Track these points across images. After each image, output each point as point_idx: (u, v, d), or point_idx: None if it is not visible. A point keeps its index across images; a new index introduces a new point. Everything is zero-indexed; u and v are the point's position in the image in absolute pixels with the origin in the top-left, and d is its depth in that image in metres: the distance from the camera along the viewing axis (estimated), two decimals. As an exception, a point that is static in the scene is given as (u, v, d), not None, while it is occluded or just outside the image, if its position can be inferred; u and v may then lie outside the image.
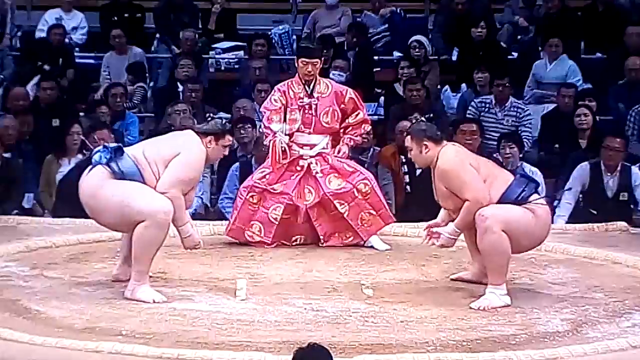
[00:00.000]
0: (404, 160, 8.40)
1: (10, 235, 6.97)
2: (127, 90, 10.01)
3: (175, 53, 10.85)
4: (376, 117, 9.86)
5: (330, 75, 9.60)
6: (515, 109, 9.54)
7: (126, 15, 11.17)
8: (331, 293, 5.97)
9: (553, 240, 6.95)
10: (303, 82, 6.93)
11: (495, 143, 8.85)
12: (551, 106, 9.87)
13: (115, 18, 11.14)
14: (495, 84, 9.54)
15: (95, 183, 5.84)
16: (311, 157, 6.90)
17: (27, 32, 11.19)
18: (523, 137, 9.09)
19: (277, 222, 6.85)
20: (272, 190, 6.88)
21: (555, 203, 8.21)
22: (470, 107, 9.60)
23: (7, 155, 8.30)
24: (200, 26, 11.18)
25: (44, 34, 10.98)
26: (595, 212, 8.03)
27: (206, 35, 11.11)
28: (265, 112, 6.93)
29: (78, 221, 7.25)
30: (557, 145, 9.28)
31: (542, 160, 9.14)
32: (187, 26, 10.91)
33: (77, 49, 11.13)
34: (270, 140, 6.86)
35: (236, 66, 10.93)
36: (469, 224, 5.81)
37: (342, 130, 7.00)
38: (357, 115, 7.00)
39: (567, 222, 7.94)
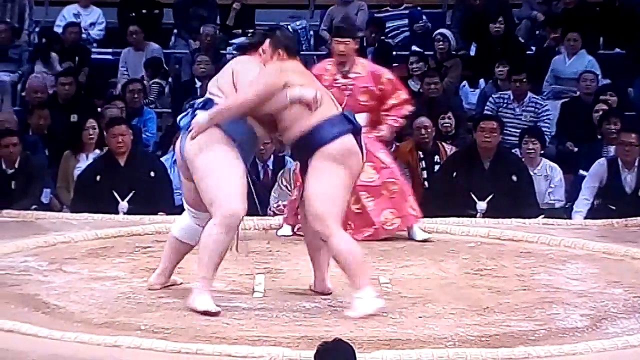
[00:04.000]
0: (421, 156, 8.40)
1: (28, 230, 6.99)
2: (144, 86, 10.03)
3: (192, 49, 10.86)
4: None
5: None
6: (534, 105, 9.53)
7: (144, 11, 11.20)
8: (349, 288, 5.86)
9: (572, 235, 7.00)
10: (338, 62, 6.87)
11: (513, 138, 8.86)
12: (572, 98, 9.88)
13: (133, 14, 11.18)
14: (513, 79, 9.52)
15: None
16: None
17: (45, 28, 11.22)
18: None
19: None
20: None
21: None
22: (488, 103, 9.59)
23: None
24: (218, 22, 11.19)
25: (61, 30, 11.02)
26: (613, 207, 8.00)
27: (224, 31, 11.12)
28: None
29: (96, 216, 7.33)
30: (569, 143, 9.26)
31: (560, 154, 9.13)
32: (206, 21, 10.92)
33: (94, 44, 11.16)
34: None
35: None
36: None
37: (385, 112, 6.89)
38: (398, 95, 6.89)
39: (585, 218, 7.92)
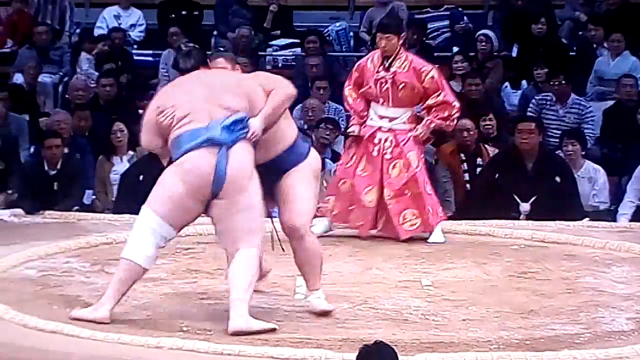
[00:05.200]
0: (463, 158, 8.37)
1: (70, 231, 7.05)
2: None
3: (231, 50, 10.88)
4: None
5: None
6: (577, 106, 9.45)
7: (184, 12, 11.24)
8: (391, 290, 5.95)
9: (617, 238, 6.98)
10: (382, 56, 6.97)
11: (556, 140, 8.79)
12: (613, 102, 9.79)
13: (173, 15, 11.22)
14: (551, 82, 9.46)
15: None
16: (389, 130, 6.90)
17: (85, 29, 11.28)
18: (585, 134, 9.02)
19: (373, 207, 6.88)
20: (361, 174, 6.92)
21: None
22: (530, 105, 9.54)
23: (65, 150, 8.36)
24: (256, 23, 11.21)
25: (102, 31, 11.07)
26: (659, 209, 7.97)
27: (263, 32, 11.15)
28: (346, 90, 7.02)
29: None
30: (620, 145, 9.21)
31: (605, 157, 9.05)
32: (247, 22, 10.98)
33: (134, 46, 11.20)
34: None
35: (293, 63, 10.93)
36: None
37: (425, 112, 6.96)
38: (437, 95, 6.91)
39: (630, 220, 7.87)
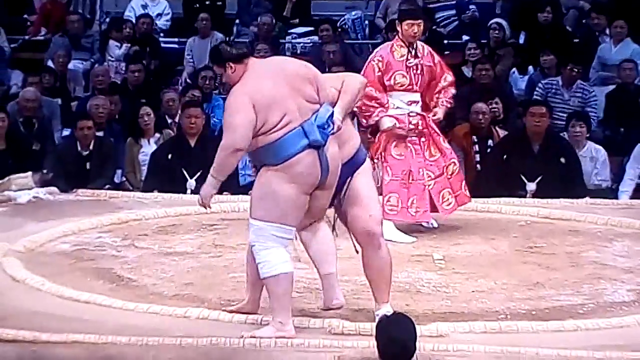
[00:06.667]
0: (475, 140, 8.47)
1: (102, 208, 7.18)
2: (215, 74, 10.23)
3: (250, 39, 11.09)
4: (445, 98, 9.98)
5: None
6: (582, 91, 9.63)
7: (207, 2, 11.42)
8: (404, 264, 6.08)
9: (618, 215, 7.07)
10: (407, 44, 6.74)
11: (561, 122, 8.95)
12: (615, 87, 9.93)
13: (197, 5, 11.38)
14: (569, 67, 9.60)
15: None
16: (417, 114, 6.77)
17: (115, 19, 11.46)
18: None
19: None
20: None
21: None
22: (537, 89, 9.70)
23: (99, 134, 8.57)
24: (276, 12, 11.41)
25: (133, 20, 11.27)
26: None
27: (283, 21, 11.35)
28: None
29: (166, 195, 7.50)
30: (622, 129, 9.40)
31: (607, 138, 9.21)
32: (267, 10, 11.18)
33: (161, 34, 11.44)
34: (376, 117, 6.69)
35: (311, 50, 11.12)
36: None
37: (436, 95, 6.86)
38: (446, 78, 6.86)
39: (631, 198, 8.00)
